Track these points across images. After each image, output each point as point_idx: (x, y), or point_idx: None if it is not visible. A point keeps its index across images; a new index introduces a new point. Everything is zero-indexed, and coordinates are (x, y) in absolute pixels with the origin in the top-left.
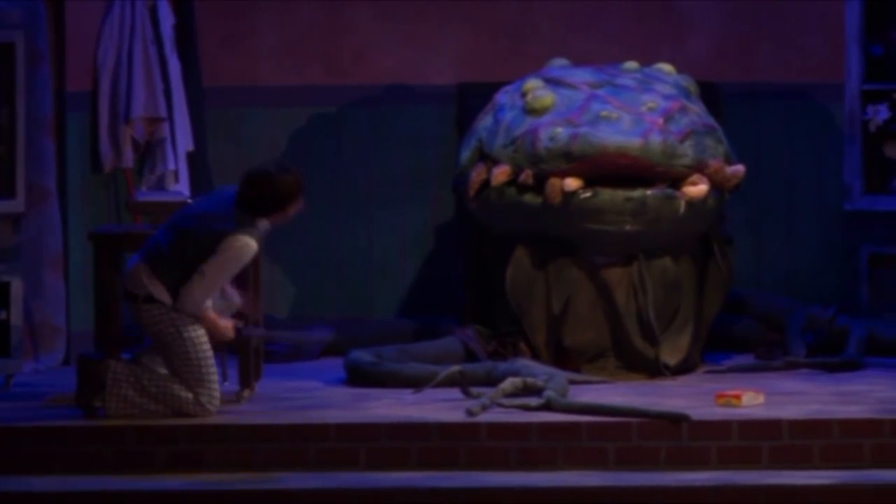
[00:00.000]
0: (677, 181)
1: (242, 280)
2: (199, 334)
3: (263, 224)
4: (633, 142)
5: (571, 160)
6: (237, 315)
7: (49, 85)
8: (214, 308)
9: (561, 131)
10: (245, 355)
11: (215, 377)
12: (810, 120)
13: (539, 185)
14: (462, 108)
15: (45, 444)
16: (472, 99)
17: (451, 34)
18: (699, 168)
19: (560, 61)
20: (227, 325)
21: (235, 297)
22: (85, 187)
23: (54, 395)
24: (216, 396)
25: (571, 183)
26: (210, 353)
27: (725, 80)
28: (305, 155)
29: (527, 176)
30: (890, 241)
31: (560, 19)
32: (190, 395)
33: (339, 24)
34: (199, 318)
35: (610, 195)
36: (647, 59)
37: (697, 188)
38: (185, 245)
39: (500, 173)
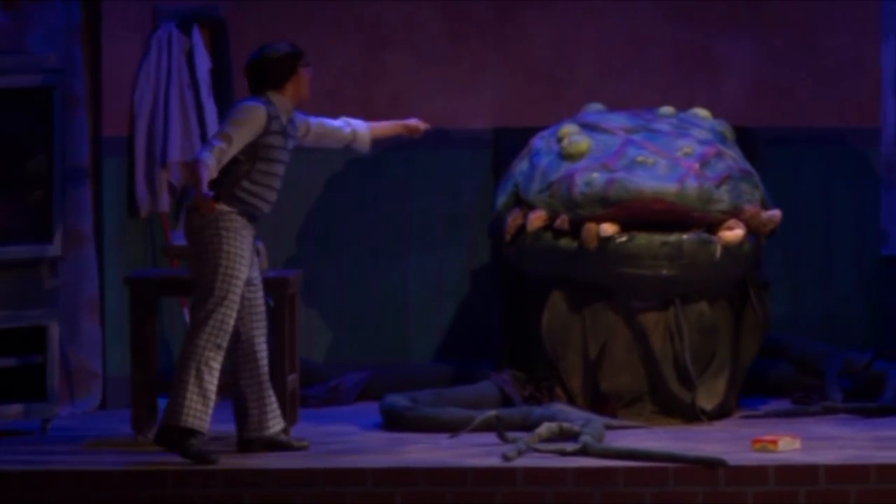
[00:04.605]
0: (713, 226)
1: (281, 323)
2: (242, 248)
3: (281, 101)
4: (669, 187)
5: (607, 205)
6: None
7: (85, 130)
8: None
9: (597, 176)
10: (281, 400)
11: (236, 295)
12: (847, 165)
13: (575, 230)
14: (498, 153)
15: (82, 488)
16: (508, 144)
17: (487, 79)
18: (735, 213)
19: (596, 106)
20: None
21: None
22: (121, 232)
23: (91, 439)
24: (230, 318)
25: (608, 228)
26: (241, 275)
27: (761, 125)
28: (342, 199)
29: (563, 221)
30: None
31: (596, 64)
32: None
33: (375, 68)
34: (198, 168)
35: (646, 240)
36: (682, 104)
37: (734, 233)
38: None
39: (536, 218)
